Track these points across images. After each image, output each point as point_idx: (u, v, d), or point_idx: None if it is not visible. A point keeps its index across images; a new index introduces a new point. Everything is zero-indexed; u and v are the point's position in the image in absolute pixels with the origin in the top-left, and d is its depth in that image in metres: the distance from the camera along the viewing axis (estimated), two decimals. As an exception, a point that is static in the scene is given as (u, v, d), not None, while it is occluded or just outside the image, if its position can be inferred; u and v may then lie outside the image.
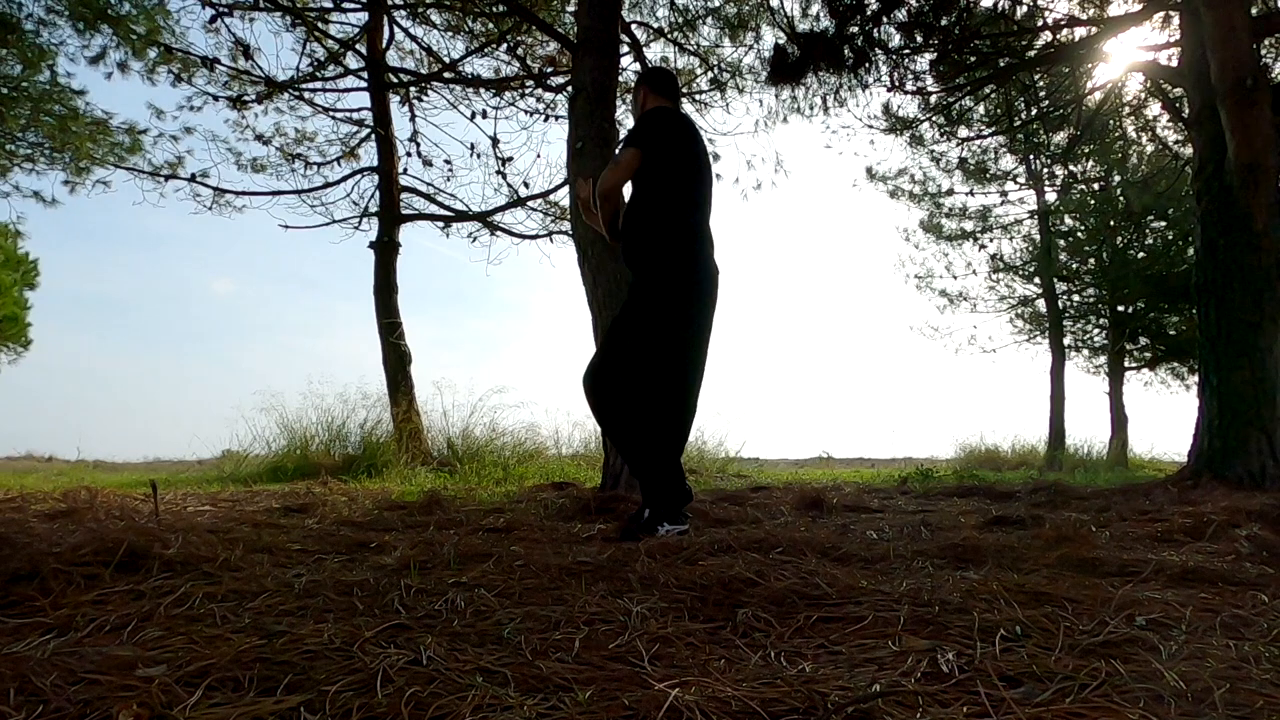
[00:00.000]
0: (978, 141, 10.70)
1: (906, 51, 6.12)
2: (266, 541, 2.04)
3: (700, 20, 7.45)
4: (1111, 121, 9.04)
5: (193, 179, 8.10)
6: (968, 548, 1.99)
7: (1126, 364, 13.29)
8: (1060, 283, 13.39)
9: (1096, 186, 12.40)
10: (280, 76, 7.83)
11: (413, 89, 8.49)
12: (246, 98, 8.04)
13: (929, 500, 3.86)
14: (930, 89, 6.62)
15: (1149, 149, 10.48)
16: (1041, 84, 7.40)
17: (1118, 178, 11.90)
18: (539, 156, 12.26)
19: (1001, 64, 6.17)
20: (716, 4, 7.30)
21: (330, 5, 7.90)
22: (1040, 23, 6.15)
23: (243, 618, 1.28)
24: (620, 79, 5.95)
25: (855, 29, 5.80)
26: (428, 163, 8.78)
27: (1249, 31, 4.13)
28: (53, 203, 8.47)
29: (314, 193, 8.50)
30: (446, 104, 8.69)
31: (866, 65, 6.00)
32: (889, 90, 6.61)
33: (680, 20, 7.49)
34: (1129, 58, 5.82)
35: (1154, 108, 8.33)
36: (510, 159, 8.58)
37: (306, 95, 8.27)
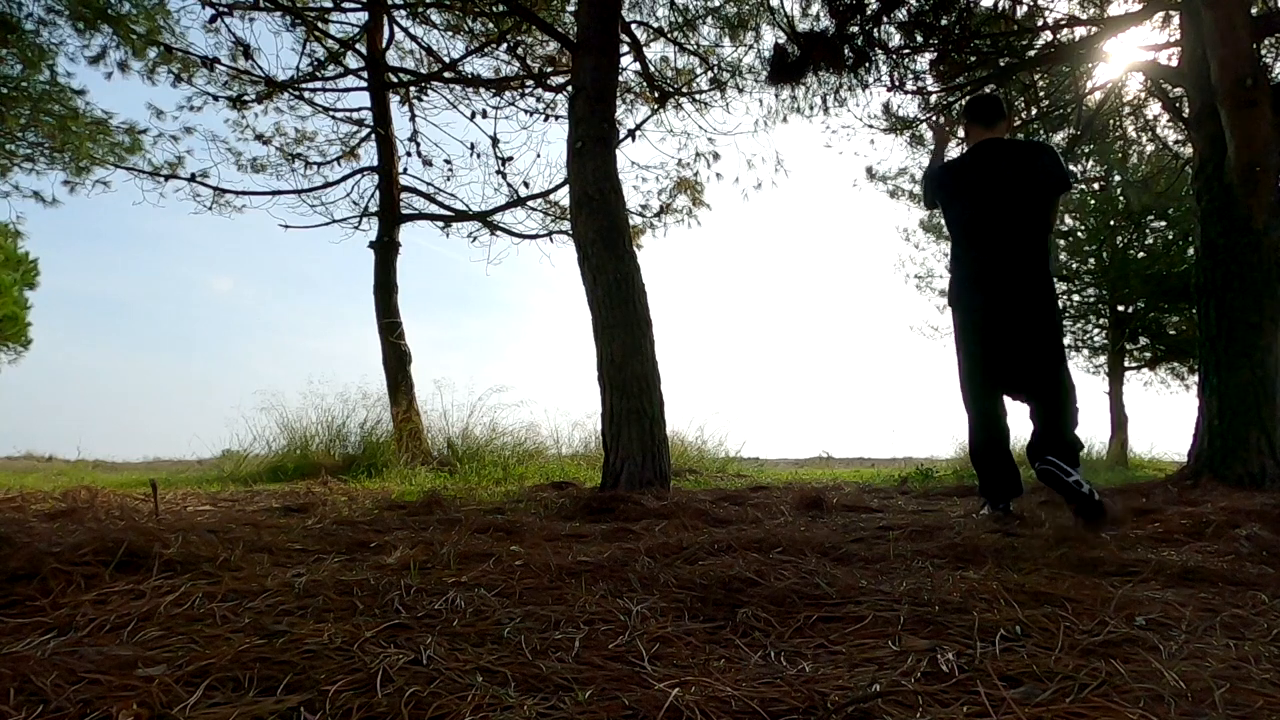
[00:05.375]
0: (978, 141, 10.68)
1: (906, 51, 6.11)
2: (266, 541, 2.04)
3: (700, 20, 7.46)
4: (1111, 121, 9.02)
5: (193, 179, 8.11)
6: (968, 548, 1.99)
7: (1126, 364, 13.28)
8: (1060, 283, 13.38)
9: (1096, 186, 12.39)
10: (280, 76, 7.84)
11: (413, 89, 8.49)
12: (246, 98, 8.04)
13: (929, 500, 3.86)
14: (930, 89, 6.61)
15: (1149, 149, 10.46)
16: (1041, 84, 7.39)
17: (1118, 178, 11.89)
18: (539, 156, 12.29)
19: (1001, 64, 6.17)
20: (716, 4, 7.30)
21: (330, 5, 7.90)
22: (1040, 23, 6.14)
23: (243, 618, 1.28)
24: (620, 79, 5.96)
25: (855, 29, 5.80)
26: (428, 162, 8.79)
27: (1249, 31, 4.12)
28: (53, 203, 8.47)
29: (314, 192, 8.51)
30: (446, 104, 8.70)
31: (866, 65, 5.99)
32: (889, 90, 6.61)
33: (680, 20, 7.49)
34: (1129, 58, 5.81)
35: (1154, 108, 8.32)
36: (510, 159, 8.60)
37: (306, 95, 8.28)
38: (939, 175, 3.00)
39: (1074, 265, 13.41)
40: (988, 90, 3.04)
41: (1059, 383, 2.74)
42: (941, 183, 2.97)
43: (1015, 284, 2.73)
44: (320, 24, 7.90)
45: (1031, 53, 6.11)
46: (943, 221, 3.00)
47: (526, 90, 8.18)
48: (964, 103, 3.12)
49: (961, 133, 3.11)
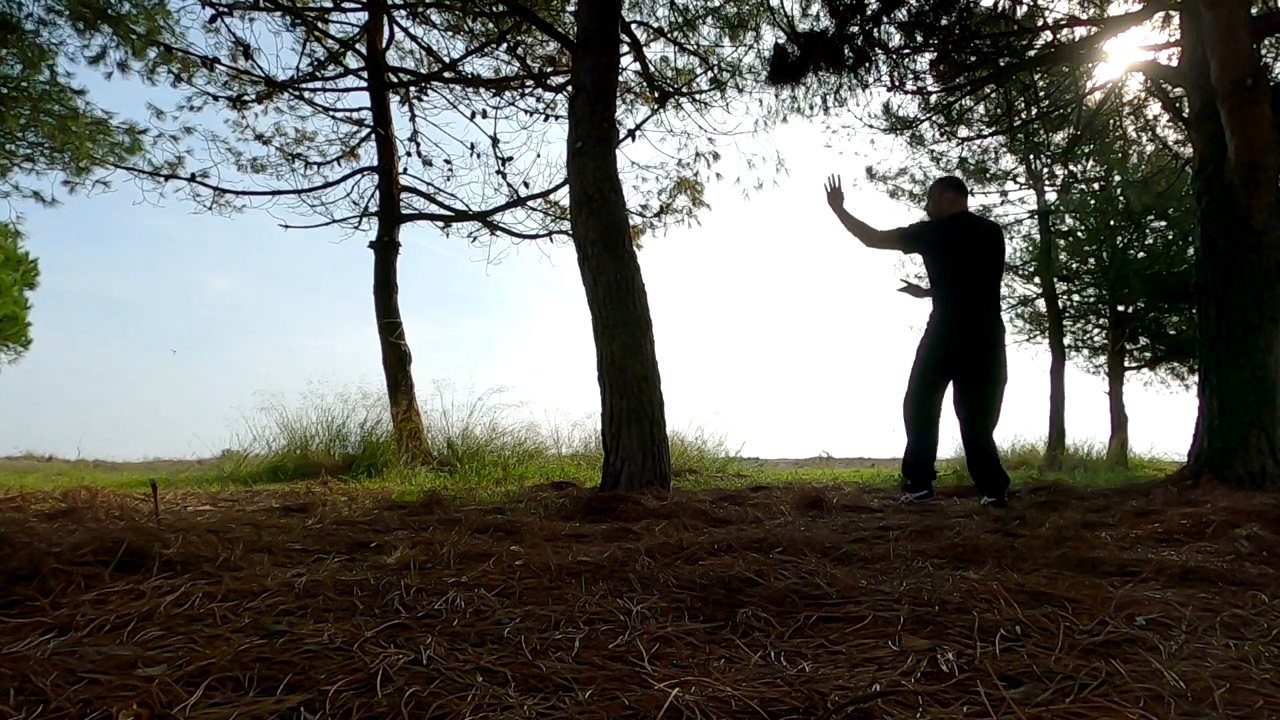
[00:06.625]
0: (978, 141, 10.68)
1: (906, 51, 6.11)
2: (266, 541, 2.04)
3: (700, 20, 7.46)
4: (1111, 121, 9.02)
5: (193, 179, 8.10)
6: (968, 548, 1.99)
7: (1126, 364, 13.27)
8: (1060, 283, 13.37)
9: (1096, 186, 12.39)
10: (280, 76, 7.84)
11: (413, 89, 8.49)
12: (246, 98, 8.04)
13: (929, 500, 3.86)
14: (930, 89, 6.61)
15: (1149, 149, 10.46)
16: (1041, 84, 7.39)
17: (1118, 178, 11.89)
18: (539, 156, 12.27)
19: (1001, 64, 6.16)
20: (716, 4, 7.30)
21: (330, 5, 7.90)
22: (1040, 23, 6.14)
23: (243, 618, 1.28)
24: (620, 79, 5.96)
25: (855, 29, 5.79)
26: (428, 162, 8.79)
27: (1249, 31, 4.12)
28: (53, 203, 8.46)
29: (314, 193, 8.51)
30: (446, 104, 8.69)
31: (866, 65, 5.99)
32: (889, 90, 6.61)
33: (680, 20, 7.49)
34: (1129, 58, 5.81)
35: (1154, 108, 8.32)
36: (510, 159, 8.59)
37: (306, 95, 8.27)
38: (932, 232, 3.68)
39: (1074, 265, 13.40)
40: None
41: (996, 408, 3.55)
42: (933, 239, 3.65)
43: (988, 325, 3.50)
44: (320, 24, 7.90)
45: (1031, 53, 6.11)
46: (925, 263, 3.72)
47: (526, 90, 8.18)
48: (943, 177, 3.90)
49: (935, 195, 3.76)
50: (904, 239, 3.75)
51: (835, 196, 3.86)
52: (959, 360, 3.53)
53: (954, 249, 3.55)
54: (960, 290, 3.53)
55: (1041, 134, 9.26)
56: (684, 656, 1.13)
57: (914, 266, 14.25)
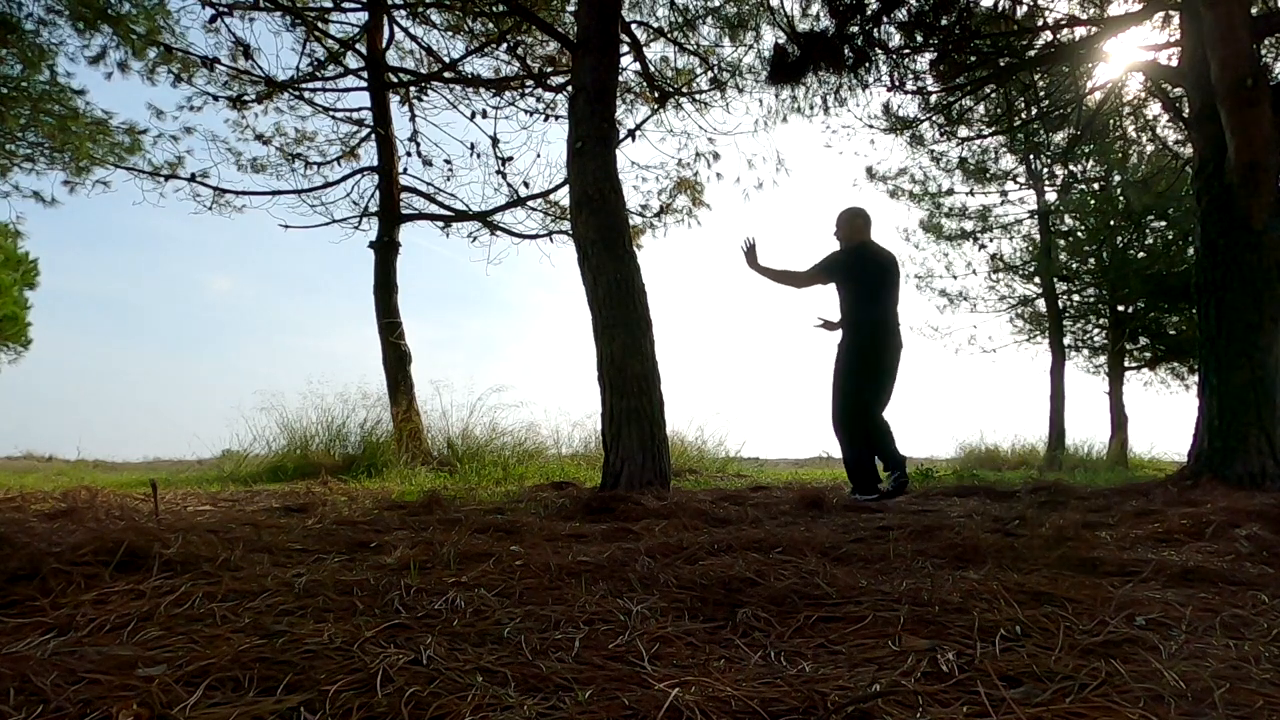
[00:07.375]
0: (978, 141, 10.69)
1: (906, 51, 6.11)
2: (266, 541, 2.04)
3: (700, 20, 7.45)
4: (1111, 121, 9.03)
5: (193, 179, 8.11)
6: (968, 548, 1.99)
7: (1126, 364, 13.27)
8: (1060, 283, 13.37)
9: (1096, 186, 12.39)
10: (280, 76, 7.84)
11: (413, 89, 8.49)
12: (246, 98, 8.04)
13: (929, 500, 3.86)
14: (930, 89, 6.61)
15: (1149, 149, 10.46)
16: (1041, 84, 7.39)
17: (1118, 178, 11.89)
18: (539, 156, 12.28)
19: (1001, 64, 6.16)
20: (716, 4, 7.30)
21: (330, 5, 7.90)
22: (1040, 23, 6.14)
23: (243, 618, 1.28)
24: (620, 79, 5.95)
25: (855, 29, 5.79)
26: (428, 162, 8.79)
27: (1249, 31, 4.12)
28: (53, 203, 8.47)
29: (314, 193, 8.51)
30: (446, 104, 8.70)
31: (866, 65, 5.99)
32: (889, 90, 6.61)
33: (680, 20, 7.49)
34: (1129, 58, 5.82)
35: (1154, 108, 8.32)
36: (510, 159, 8.60)
37: (306, 95, 8.28)
38: (847, 257, 4.08)
39: (1074, 265, 13.40)
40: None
41: (890, 395, 4.00)
42: (849, 265, 4.05)
43: (897, 338, 3.99)
44: (320, 24, 7.90)
45: (1031, 53, 6.11)
46: (838, 287, 4.11)
47: (526, 90, 8.18)
48: (852, 207, 4.20)
49: (845, 224, 4.14)
50: (825, 272, 4.11)
51: (750, 257, 4.19)
52: (877, 369, 3.97)
53: (865, 273, 4.01)
54: (873, 308, 3.98)
55: (1041, 134, 9.27)
56: (684, 656, 1.13)
57: (915, 265, 14.31)
